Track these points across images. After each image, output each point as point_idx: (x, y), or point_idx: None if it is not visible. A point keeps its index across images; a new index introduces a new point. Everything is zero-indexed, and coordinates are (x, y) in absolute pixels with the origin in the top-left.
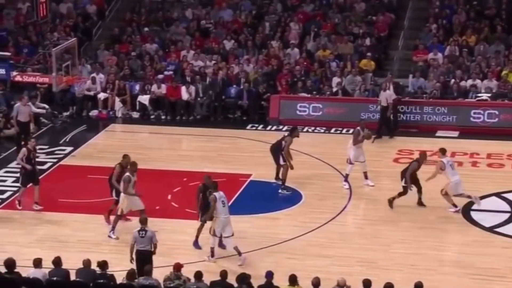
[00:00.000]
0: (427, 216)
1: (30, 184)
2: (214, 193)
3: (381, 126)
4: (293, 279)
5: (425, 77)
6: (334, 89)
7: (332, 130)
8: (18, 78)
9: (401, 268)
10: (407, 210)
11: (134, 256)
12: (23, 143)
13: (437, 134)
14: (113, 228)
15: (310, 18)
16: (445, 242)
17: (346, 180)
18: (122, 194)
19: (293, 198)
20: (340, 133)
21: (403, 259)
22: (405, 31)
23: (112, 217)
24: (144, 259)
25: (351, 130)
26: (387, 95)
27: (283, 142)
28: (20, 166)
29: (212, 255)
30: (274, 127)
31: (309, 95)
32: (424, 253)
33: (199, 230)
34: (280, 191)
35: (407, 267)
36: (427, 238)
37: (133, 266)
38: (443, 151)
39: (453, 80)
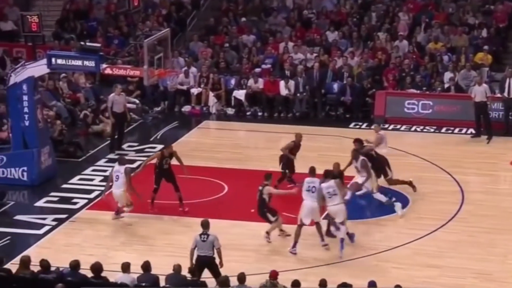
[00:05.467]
0: None
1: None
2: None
3: (479, 125)
4: None
5: None
6: (446, 85)
7: (443, 130)
8: (108, 71)
9: None
10: None
11: (194, 262)
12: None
13: None
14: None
15: (421, 7)
16: None
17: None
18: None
19: (400, 203)
20: (452, 133)
21: None
22: None
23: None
24: (204, 266)
25: (464, 130)
26: (484, 90)
27: None
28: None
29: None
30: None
31: (418, 91)
32: None
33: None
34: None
35: None
36: None
37: (193, 273)
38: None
39: None
